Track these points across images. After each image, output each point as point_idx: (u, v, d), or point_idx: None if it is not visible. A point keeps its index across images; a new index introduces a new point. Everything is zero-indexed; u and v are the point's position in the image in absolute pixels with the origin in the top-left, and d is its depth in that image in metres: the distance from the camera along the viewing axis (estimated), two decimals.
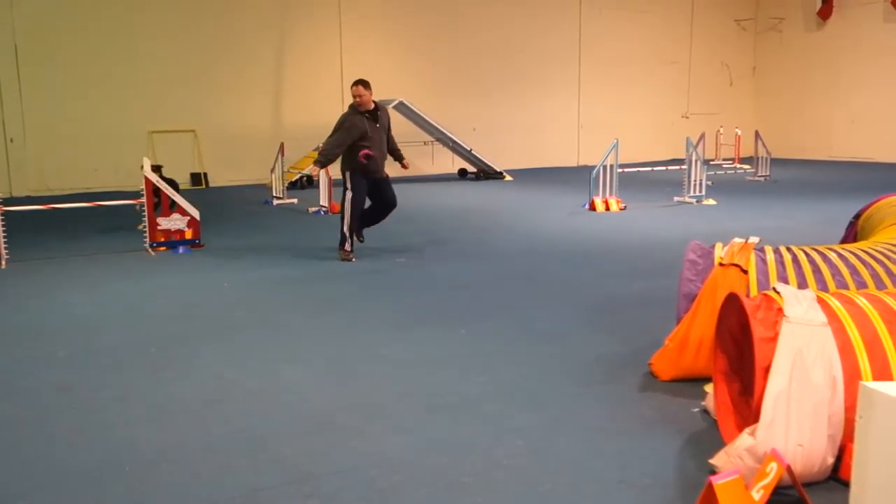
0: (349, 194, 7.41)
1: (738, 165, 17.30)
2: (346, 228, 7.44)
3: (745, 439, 2.85)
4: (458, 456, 3.19)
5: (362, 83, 7.37)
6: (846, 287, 3.82)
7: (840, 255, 4.05)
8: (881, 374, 2.88)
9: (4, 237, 7.41)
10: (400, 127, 16.17)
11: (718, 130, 19.53)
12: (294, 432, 3.45)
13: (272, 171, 12.45)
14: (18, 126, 13.54)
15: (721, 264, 3.96)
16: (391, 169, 7.65)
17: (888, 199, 5.52)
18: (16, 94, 13.44)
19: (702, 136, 15.79)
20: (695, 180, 11.72)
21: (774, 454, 2.65)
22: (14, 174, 13.48)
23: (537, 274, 6.83)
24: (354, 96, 7.35)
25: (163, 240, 8.01)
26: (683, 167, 11.93)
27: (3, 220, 7.39)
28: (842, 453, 2.88)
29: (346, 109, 7.46)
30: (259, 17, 15.37)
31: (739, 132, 18.07)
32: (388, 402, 3.81)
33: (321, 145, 7.75)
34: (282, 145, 12.18)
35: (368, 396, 3.89)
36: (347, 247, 7.48)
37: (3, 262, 7.33)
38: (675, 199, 11.86)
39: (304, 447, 3.29)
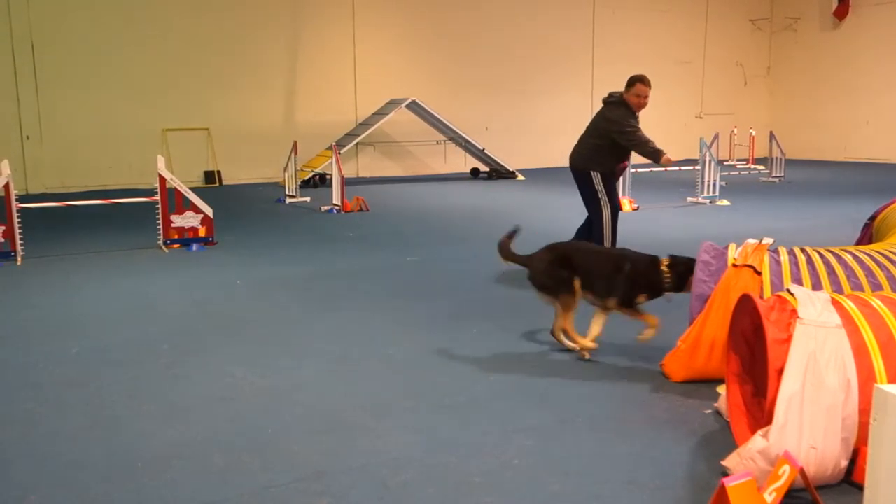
0: (608, 204, 6.35)
1: (753, 166, 17.19)
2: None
3: (757, 441, 2.83)
4: (467, 455, 3.19)
5: (649, 82, 6.22)
6: (861, 289, 3.79)
7: (855, 257, 4.01)
8: None
9: (20, 234, 7.47)
10: (412, 126, 16.25)
11: (732, 131, 19.41)
12: (304, 430, 3.46)
13: (285, 169, 12.49)
14: (34, 123, 13.65)
15: (734, 265, 3.94)
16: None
17: None
18: (32, 91, 13.55)
19: (716, 137, 15.65)
20: (708, 181, 11.66)
21: (787, 457, 2.64)
22: (30, 171, 13.59)
23: None
24: (640, 96, 6.25)
25: (176, 237, 8.05)
26: (697, 167, 11.88)
27: (19, 216, 7.45)
28: (855, 456, 2.86)
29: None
30: (272, 16, 15.41)
31: (754, 132, 17.95)
32: (398, 401, 3.81)
33: (636, 139, 6.27)
34: (295, 144, 12.21)
35: (378, 395, 3.89)
36: None
37: (19, 259, 7.39)
38: (689, 199, 11.80)
39: (314, 445, 3.30)
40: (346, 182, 11.73)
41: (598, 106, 6.65)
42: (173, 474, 3.05)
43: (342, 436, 3.40)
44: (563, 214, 10.58)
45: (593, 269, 4.47)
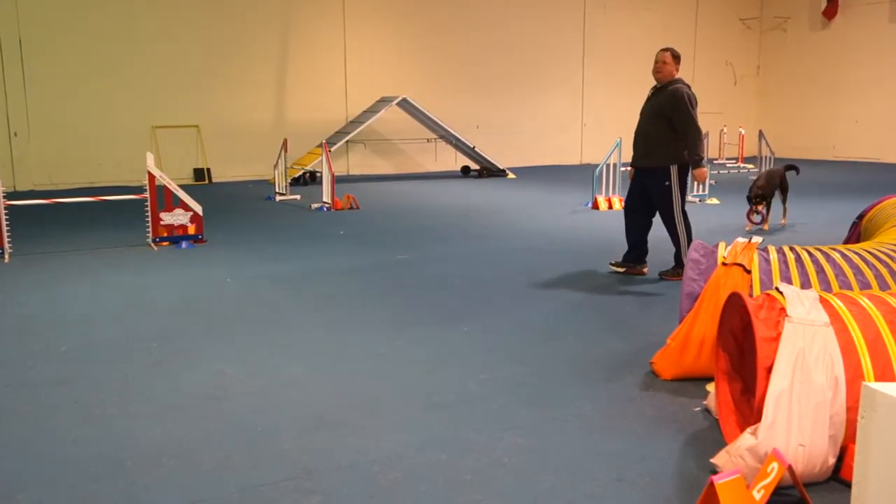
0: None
1: (742, 165, 17.27)
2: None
3: (746, 439, 2.84)
4: (457, 453, 3.19)
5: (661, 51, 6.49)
6: (850, 288, 3.81)
7: (844, 256, 4.04)
8: (883, 374, 2.87)
9: (7, 231, 7.42)
10: (403, 124, 16.24)
11: (722, 130, 19.49)
12: (294, 428, 3.45)
13: (275, 167, 12.45)
14: (22, 120, 13.56)
15: (724, 264, 3.95)
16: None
17: (892, 200, 5.52)
18: (20, 88, 13.45)
19: (705, 135, 15.77)
20: None
21: (776, 454, 2.65)
22: (18, 168, 13.49)
23: (539, 272, 6.82)
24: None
25: (165, 235, 8.01)
26: None
27: (6, 213, 7.40)
28: (843, 454, 2.88)
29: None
30: (263, 13, 15.36)
31: (743, 131, 18.03)
32: (389, 400, 3.80)
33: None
34: (285, 141, 12.17)
35: (369, 393, 3.89)
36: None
37: (7, 256, 7.34)
38: None
39: (304, 443, 3.29)
40: (337, 180, 11.71)
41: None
42: (163, 473, 3.04)
43: (333, 434, 3.39)
44: (555, 213, 10.59)
45: None
